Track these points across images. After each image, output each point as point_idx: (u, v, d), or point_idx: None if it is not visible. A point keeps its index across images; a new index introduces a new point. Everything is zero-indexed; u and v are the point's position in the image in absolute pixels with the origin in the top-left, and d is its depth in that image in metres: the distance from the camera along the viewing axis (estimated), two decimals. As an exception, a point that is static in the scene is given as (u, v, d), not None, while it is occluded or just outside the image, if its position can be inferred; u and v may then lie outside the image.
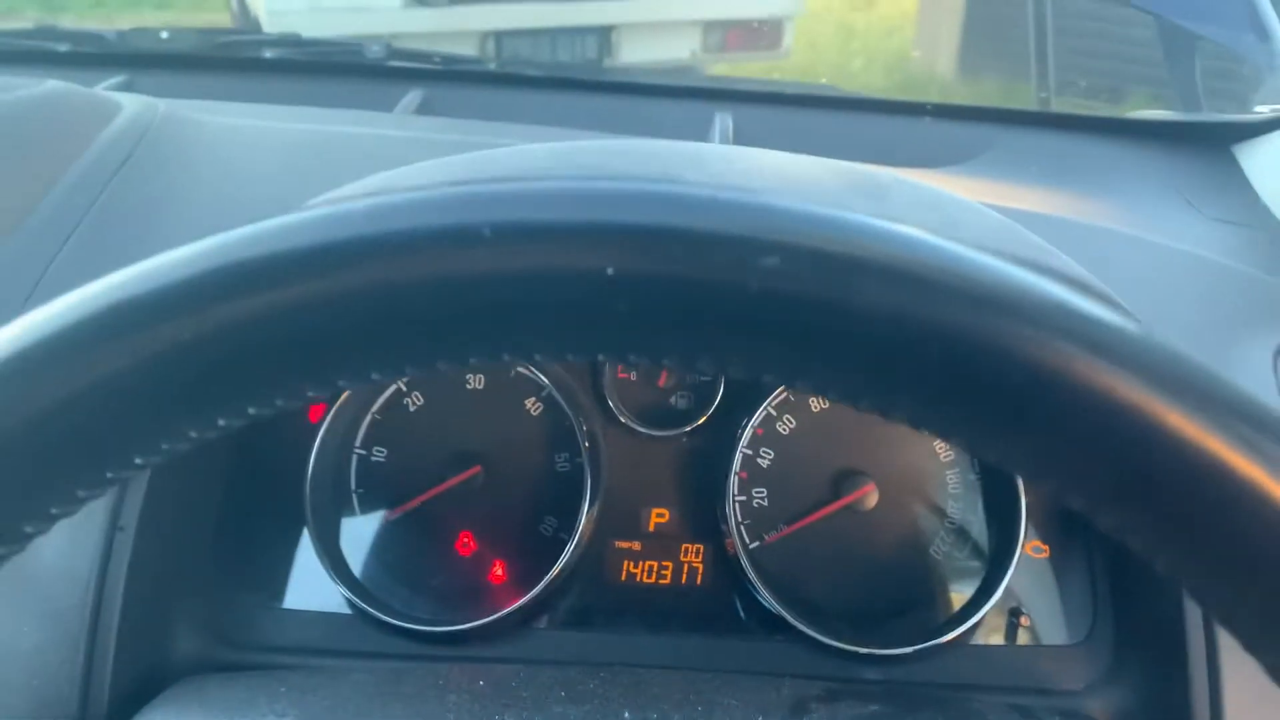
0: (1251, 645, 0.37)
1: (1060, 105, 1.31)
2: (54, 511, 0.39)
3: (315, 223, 0.36)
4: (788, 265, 0.36)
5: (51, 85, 1.09)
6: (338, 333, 0.37)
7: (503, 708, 0.66)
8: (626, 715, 0.66)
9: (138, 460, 0.38)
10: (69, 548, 0.72)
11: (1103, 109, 1.26)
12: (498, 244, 0.36)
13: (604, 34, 5.16)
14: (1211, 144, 1.16)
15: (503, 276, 0.36)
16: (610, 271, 0.36)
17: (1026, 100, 1.41)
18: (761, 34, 5.51)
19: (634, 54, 5.16)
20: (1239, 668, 0.74)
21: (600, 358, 0.39)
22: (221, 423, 0.38)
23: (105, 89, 1.31)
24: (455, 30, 5.04)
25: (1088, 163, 1.17)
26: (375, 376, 0.38)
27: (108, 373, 0.36)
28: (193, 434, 0.38)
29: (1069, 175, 1.12)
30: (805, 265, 0.36)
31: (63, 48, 1.45)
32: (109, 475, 0.38)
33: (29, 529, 0.39)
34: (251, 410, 0.38)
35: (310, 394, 0.39)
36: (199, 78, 1.44)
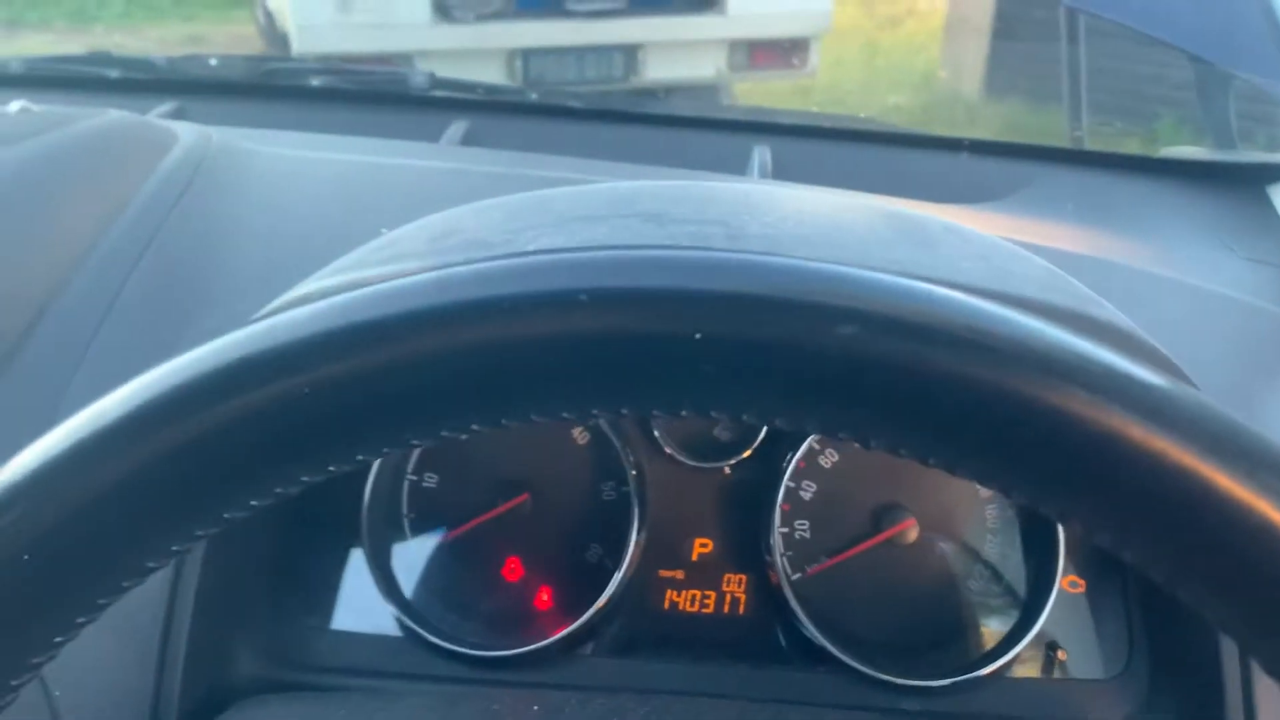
0: None
1: (1094, 143, 1.33)
2: (150, 565, 0.41)
3: (427, 286, 0.39)
4: (864, 333, 0.38)
5: (112, 116, 1.13)
6: (443, 388, 0.39)
7: (558, 734, 0.68)
8: None
9: (225, 515, 0.41)
10: (141, 572, 0.75)
11: (1137, 148, 1.28)
12: (594, 308, 0.38)
13: (630, 52, 5.20)
14: (1246, 184, 1.17)
15: (598, 338, 0.39)
16: (698, 336, 0.38)
17: (1057, 129, 1.43)
18: (788, 53, 5.54)
19: (659, 72, 5.20)
20: (1276, 703, 0.75)
21: (684, 414, 0.41)
22: (310, 478, 0.41)
23: (157, 115, 1.35)
24: (482, 48, 5.09)
25: (1123, 201, 1.19)
26: (475, 428, 0.41)
27: (219, 428, 0.38)
28: (278, 490, 0.41)
29: (1104, 213, 1.14)
30: (881, 333, 0.38)
31: (114, 74, 1.49)
32: (198, 533, 0.41)
33: (126, 584, 0.41)
34: (359, 457, 0.41)
35: (413, 443, 0.41)
36: (247, 104, 1.48)
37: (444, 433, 0.41)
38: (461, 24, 4.99)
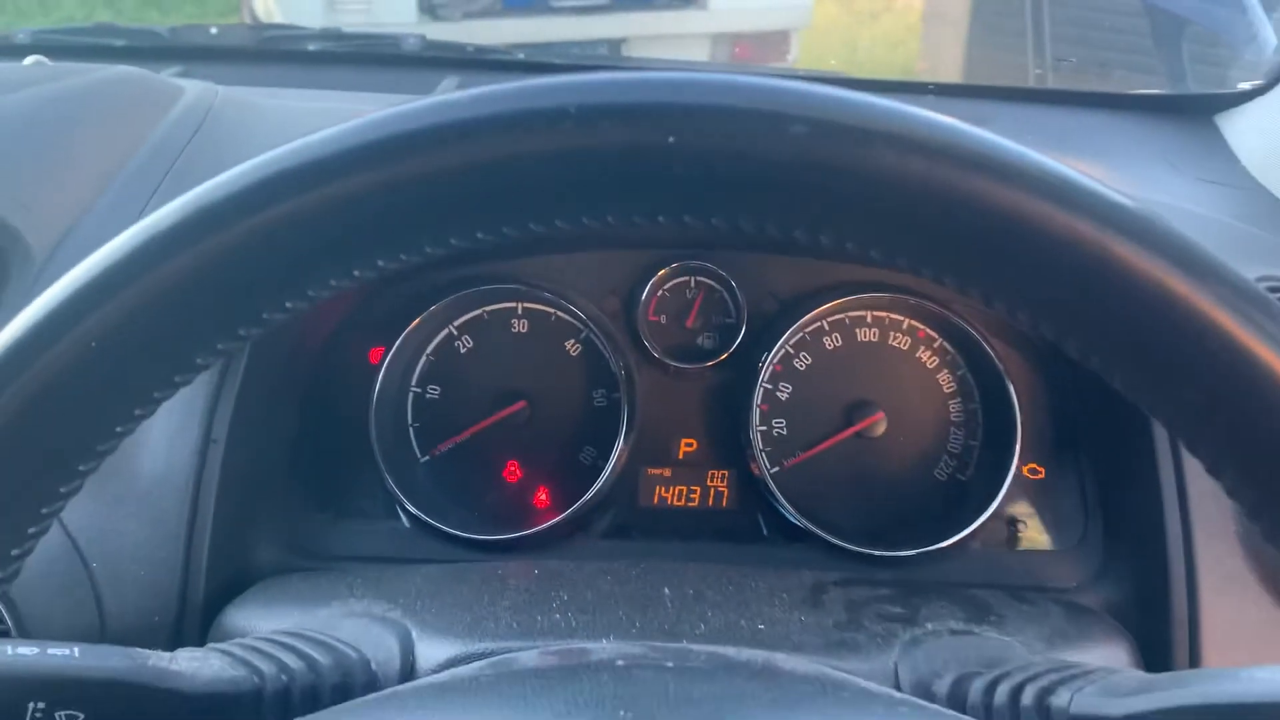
0: (1213, 469, 0.45)
1: (1056, 82, 1.39)
2: (220, 347, 0.47)
3: (439, 107, 0.45)
4: (813, 133, 0.44)
5: (122, 69, 1.19)
6: (454, 198, 0.46)
7: (557, 588, 0.75)
8: (666, 591, 0.74)
9: (289, 304, 0.47)
10: (168, 456, 0.81)
11: (1095, 85, 1.34)
12: (581, 120, 0.45)
13: (614, 46, 5.25)
14: (1196, 115, 1.24)
15: (585, 148, 0.45)
16: (671, 140, 0.45)
17: (1023, 79, 1.50)
18: (768, 45, 5.61)
19: (644, 66, 5.24)
20: (1213, 566, 0.82)
21: (661, 219, 0.47)
22: (387, 264, 0.47)
23: (163, 78, 1.40)
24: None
25: (1080, 134, 1.25)
26: (480, 236, 0.47)
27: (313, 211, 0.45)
28: (333, 281, 0.47)
29: (1062, 144, 1.20)
30: (825, 133, 0.45)
31: (119, 43, 1.55)
32: (266, 316, 0.47)
33: (219, 347, 0.47)
34: (414, 254, 0.47)
35: (427, 251, 0.47)
36: (247, 68, 1.54)
37: (453, 240, 0.47)
38: (448, 21, 5.05)
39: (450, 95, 0.46)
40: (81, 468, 0.48)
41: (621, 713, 0.48)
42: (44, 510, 0.47)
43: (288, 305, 0.48)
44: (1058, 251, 0.44)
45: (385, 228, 0.47)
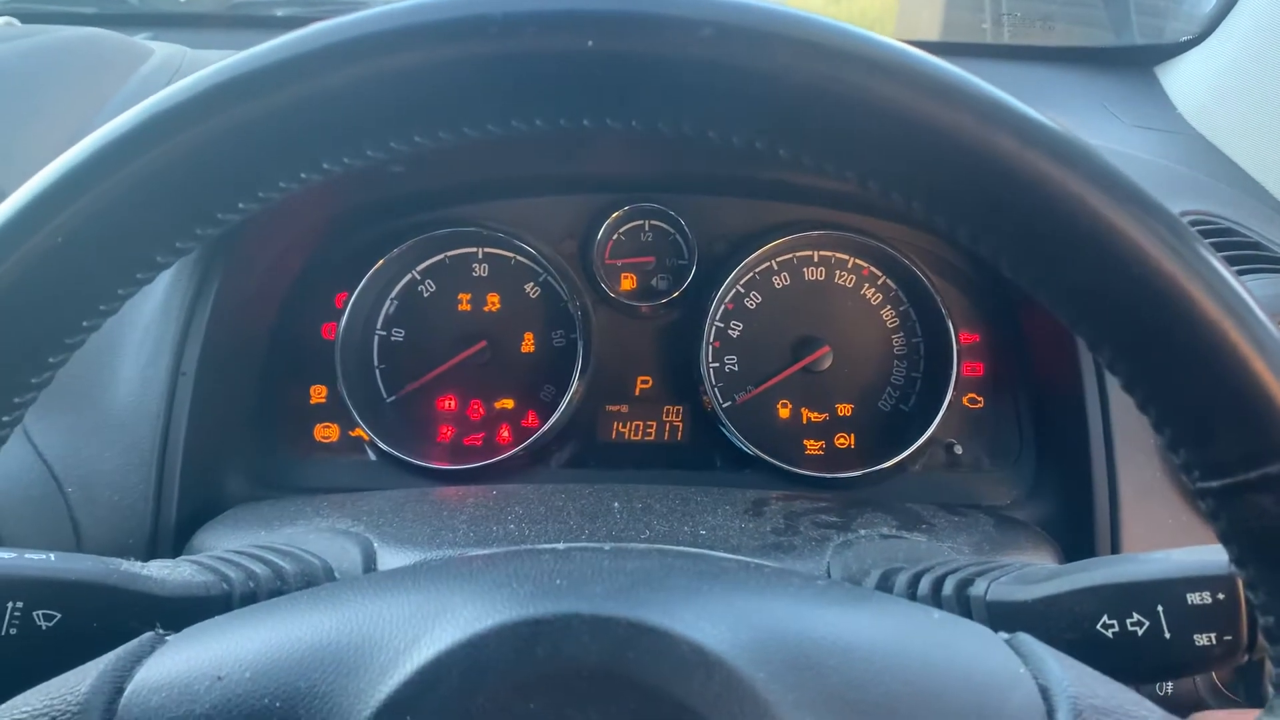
0: (1093, 345, 0.49)
1: (1002, 37, 1.42)
2: (178, 245, 0.51)
3: (373, 18, 0.49)
4: (719, 35, 0.48)
5: (91, 30, 1.22)
6: (392, 103, 0.49)
7: (512, 504, 0.78)
8: (616, 505, 0.78)
9: (241, 205, 0.51)
10: (140, 387, 0.85)
11: (1040, 39, 1.38)
12: (506, 26, 0.48)
13: None
14: (1136, 66, 1.29)
15: (508, 52, 0.49)
16: (590, 44, 0.48)
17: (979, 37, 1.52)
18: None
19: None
20: (1133, 479, 0.86)
21: (586, 123, 0.51)
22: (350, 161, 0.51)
23: (133, 44, 1.43)
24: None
25: (1026, 87, 1.29)
26: (417, 139, 0.51)
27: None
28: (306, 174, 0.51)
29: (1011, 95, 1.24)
30: (730, 37, 0.48)
31: (90, 10, 1.57)
32: (220, 216, 0.51)
33: (177, 245, 0.50)
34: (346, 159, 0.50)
35: (369, 154, 0.51)
36: (216, 34, 1.57)
37: (393, 143, 0.51)
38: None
39: (385, 7, 0.50)
40: (52, 359, 0.51)
41: (558, 581, 0.52)
42: (16, 400, 0.51)
43: (240, 205, 0.51)
44: (945, 144, 0.47)
45: (327, 133, 0.50)
